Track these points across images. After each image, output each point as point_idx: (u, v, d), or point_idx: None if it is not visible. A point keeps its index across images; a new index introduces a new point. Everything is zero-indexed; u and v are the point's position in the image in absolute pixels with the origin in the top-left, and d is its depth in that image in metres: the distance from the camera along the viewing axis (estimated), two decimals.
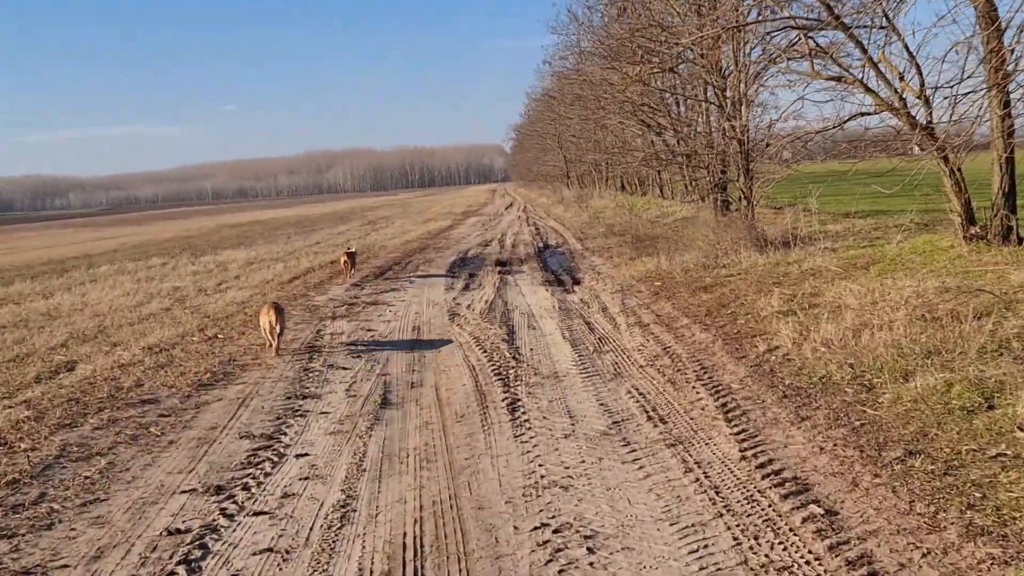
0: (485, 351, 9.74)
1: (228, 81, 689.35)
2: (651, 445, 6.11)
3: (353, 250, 18.97)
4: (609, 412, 7.06)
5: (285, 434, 7.06)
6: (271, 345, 10.28)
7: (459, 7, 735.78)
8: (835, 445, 5.66)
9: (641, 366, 8.56)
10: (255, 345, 10.94)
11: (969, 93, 11.52)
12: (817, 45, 12.68)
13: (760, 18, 13.43)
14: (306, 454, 6.49)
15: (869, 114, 13.28)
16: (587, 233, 25.78)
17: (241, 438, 6.98)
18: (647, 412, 6.93)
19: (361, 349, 10.44)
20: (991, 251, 11.44)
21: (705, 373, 7.98)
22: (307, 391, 8.48)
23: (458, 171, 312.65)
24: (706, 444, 6.02)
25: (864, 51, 12.02)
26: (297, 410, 7.78)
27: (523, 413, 7.17)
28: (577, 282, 15.47)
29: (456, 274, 17.90)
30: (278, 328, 10.13)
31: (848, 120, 13.57)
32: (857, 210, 22.45)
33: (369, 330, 11.76)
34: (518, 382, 8.26)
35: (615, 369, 8.56)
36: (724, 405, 6.87)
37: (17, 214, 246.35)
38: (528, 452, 6.15)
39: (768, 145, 18.20)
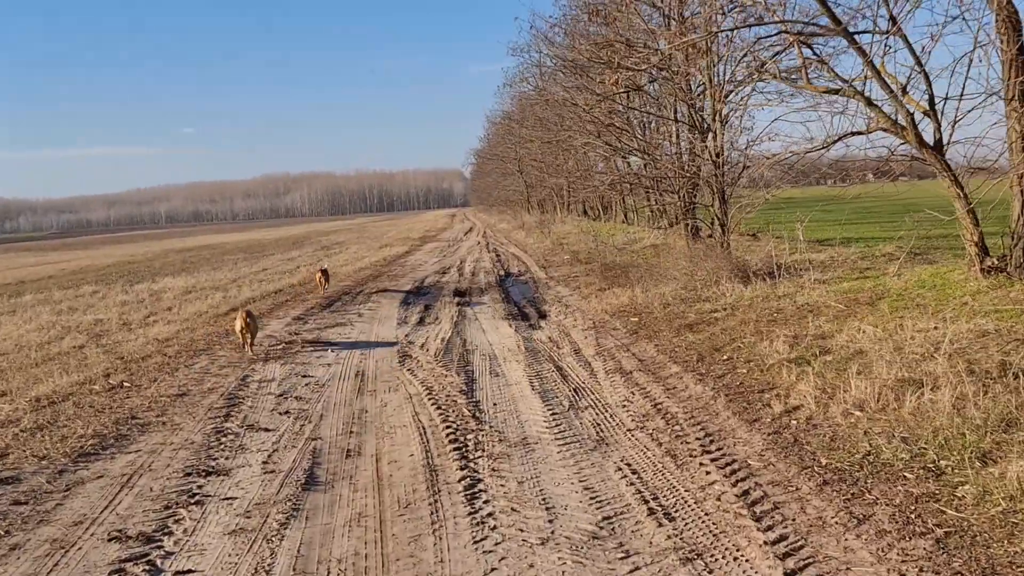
0: (439, 407, 8.08)
1: (186, 104, 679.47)
2: (659, 558, 4.50)
3: (326, 267, 21.18)
4: (597, 500, 5.45)
5: (171, 534, 5.32)
6: (244, 345, 11.51)
7: (423, 33, 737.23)
8: (920, 570, 4.07)
9: (629, 429, 6.98)
10: (164, 396, 9.18)
11: (983, 107, 10.31)
12: (815, 54, 11.35)
13: (748, 23, 12.04)
14: (189, 571, 4.77)
15: (862, 133, 11.97)
16: (551, 260, 24.25)
17: (110, 541, 5.23)
18: (646, 501, 5.33)
19: (291, 403, 8.73)
20: (1014, 286, 10.08)
21: (712, 442, 6.40)
22: (213, 464, 6.74)
23: (418, 196, 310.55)
24: (735, 560, 4.41)
25: (867, 60, 10.66)
26: (195, 494, 6.04)
27: (486, 502, 5.52)
28: (543, 316, 13.90)
29: (410, 306, 16.21)
30: (250, 332, 11.36)
31: (838, 139, 12.26)
32: (827, 238, 21.20)
33: (305, 376, 10.06)
34: (479, 452, 6.61)
35: (598, 433, 6.96)
36: (746, 493, 5.29)
37: None
38: (493, 570, 4.51)
39: (747, 167, 16.89)
